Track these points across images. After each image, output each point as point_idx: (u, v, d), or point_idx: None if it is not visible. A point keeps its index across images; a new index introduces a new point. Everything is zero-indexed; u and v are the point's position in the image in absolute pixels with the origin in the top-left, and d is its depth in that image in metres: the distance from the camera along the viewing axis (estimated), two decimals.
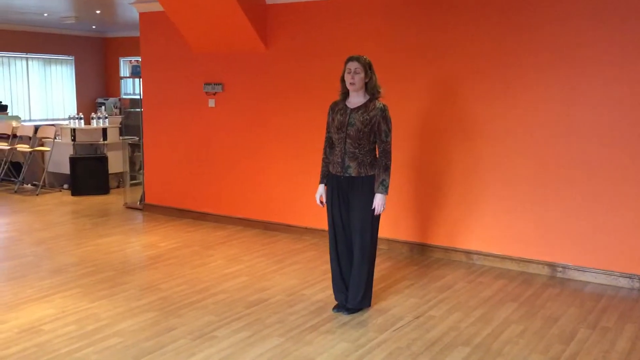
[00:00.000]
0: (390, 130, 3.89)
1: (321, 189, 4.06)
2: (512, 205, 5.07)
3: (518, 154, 5.01)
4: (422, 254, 5.48)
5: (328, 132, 4.04)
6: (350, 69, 3.83)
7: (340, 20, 5.73)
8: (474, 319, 3.98)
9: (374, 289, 4.51)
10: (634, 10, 4.49)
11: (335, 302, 4.13)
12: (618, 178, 4.64)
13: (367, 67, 3.85)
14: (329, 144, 4.04)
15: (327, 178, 4.03)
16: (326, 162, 4.05)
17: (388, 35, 5.51)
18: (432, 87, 5.35)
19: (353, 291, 4.00)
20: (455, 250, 5.35)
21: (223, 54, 6.47)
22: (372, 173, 3.88)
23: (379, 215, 3.94)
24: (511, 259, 5.10)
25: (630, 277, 4.65)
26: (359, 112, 3.84)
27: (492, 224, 5.17)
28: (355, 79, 3.81)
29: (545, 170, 4.91)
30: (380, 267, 5.13)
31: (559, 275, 4.90)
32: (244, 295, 4.40)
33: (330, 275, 4.22)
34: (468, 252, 5.29)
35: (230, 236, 6.15)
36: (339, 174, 3.92)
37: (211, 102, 6.66)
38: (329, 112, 4.03)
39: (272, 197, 6.33)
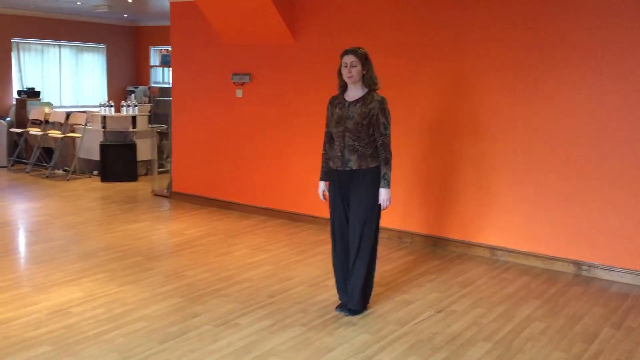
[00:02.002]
0: (389, 124, 3.78)
1: (322, 186, 3.98)
2: (538, 201, 5.03)
3: (544, 148, 4.96)
4: (445, 249, 5.47)
5: (327, 127, 3.94)
6: (346, 62, 3.75)
7: (370, 13, 5.72)
8: (496, 315, 3.97)
9: (395, 283, 4.54)
10: None
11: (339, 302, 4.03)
12: None
13: (364, 59, 3.76)
14: (328, 140, 3.93)
15: (328, 175, 3.95)
16: (326, 158, 3.95)
17: (414, 30, 5.48)
18: (456, 80, 5.32)
19: (350, 291, 3.89)
20: (479, 246, 5.32)
21: (251, 45, 6.51)
22: (373, 165, 3.78)
23: (379, 210, 3.84)
24: (536, 256, 5.06)
25: None
26: (358, 105, 3.77)
27: (517, 220, 5.14)
28: (352, 72, 3.74)
29: (572, 165, 4.85)
30: (403, 260, 5.14)
31: (584, 273, 4.85)
32: (267, 285, 4.45)
33: None
34: (492, 248, 5.26)
35: (255, 225, 6.21)
36: (339, 167, 3.82)
37: (239, 93, 6.71)
38: (328, 107, 3.94)
39: (297, 188, 6.37)
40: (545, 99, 4.93)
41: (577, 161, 4.84)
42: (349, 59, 3.76)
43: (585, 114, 4.78)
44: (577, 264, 4.89)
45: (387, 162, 3.80)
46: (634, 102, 4.58)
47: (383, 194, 3.79)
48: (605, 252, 4.78)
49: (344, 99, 3.85)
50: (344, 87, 3.88)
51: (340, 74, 3.84)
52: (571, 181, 4.87)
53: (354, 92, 3.83)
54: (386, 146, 3.80)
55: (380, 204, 3.83)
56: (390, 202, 3.83)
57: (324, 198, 4.03)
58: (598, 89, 4.71)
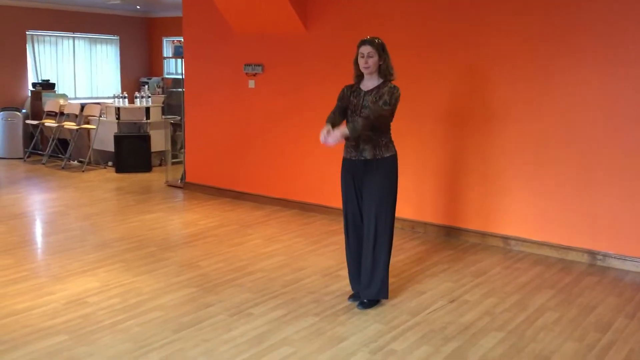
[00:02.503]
0: (389, 104, 3.66)
1: (328, 126, 3.64)
2: (552, 191, 5.00)
3: (558, 138, 4.92)
4: (458, 239, 5.47)
5: (338, 104, 3.84)
6: (363, 53, 3.72)
7: (382, 3, 5.69)
8: (509, 305, 3.97)
9: (408, 273, 4.55)
10: None
11: (351, 292, 4.04)
12: None
13: (381, 50, 3.72)
14: (340, 111, 3.81)
15: (342, 165, 3.89)
16: (332, 117, 3.78)
17: (426, 21, 5.44)
18: (466, 71, 5.28)
19: (368, 282, 3.85)
20: (492, 235, 5.31)
21: (263, 36, 6.51)
22: (387, 155, 3.76)
23: (395, 200, 3.81)
24: (550, 245, 5.04)
25: None
26: (372, 95, 3.74)
27: (531, 210, 5.11)
28: (369, 62, 3.70)
29: (587, 154, 4.81)
30: (416, 250, 5.15)
31: (599, 263, 4.83)
32: (280, 275, 4.48)
33: None
34: (505, 238, 5.25)
35: (268, 216, 6.24)
36: (353, 157, 3.81)
37: (251, 83, 6.72)
38: (343, 90, 3.87)
39: (310, 179, 6.38)
40: (560, 89, 4.88)
41: (591, 151, 4.79)
42: (366, 49, 3.73)
43: (600, 104, 4.73)
44: (592, 253, 4.86)
45: (366, 118, 3.62)
46: None
47: (339, 130, 3.57)
48: (620, 242, 4.75)
49: (360, 88, 3.83)
50: (360, 77, 3.85)
51: (356, 63, 3.81)
52: (585, 171, 4.83)
53: (370, 82, 3.80)
54: (375, 112, 3.63)
55: (394, 193, 3.80)
56: (333, 140, 3.55)
57: (327, 133, 3.62)
58: (614, 79, 4.65)
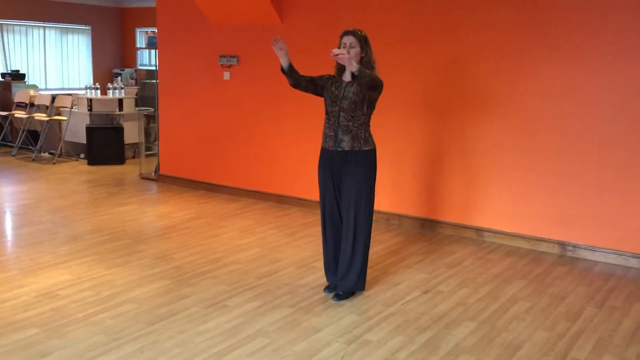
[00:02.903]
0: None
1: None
2: (523, 183, 5.07)
3: (530, 131, 5.00)
4: (432, 230, 5.52)
5: (315, 77, 3.87)
6: (345, 43, 3.68)
7: None
8: (482, 295, 4.02)
9: (383, 265, 4.58)
10: None
11: (327, 283, 4.05)
12: (631, 157, 4.62)
13: (363, 41, 3.70)
14: (311, 78, 3.86)
15: (320, 155, 3.88)
16: (299, 72, 3.88)
17: (403, 12, 5.47)
18: (446, 63, 5.32)
19: (344, 274, 3.86)
20: (466, 227, 5.37)
21: (239, 27, 6.47)
22: (366, 148, 3.74)
23: (373, 194, 3.80)
24: (522, 237, 5.12)
25: None
26: (353, 85, 3.71)
27: (504, 202, 5.18)
28: (350, 53, 3.63)
29: (557, 148, 4.90)
30: (391, 242, 5.18)
31: (569, 254, 4.92)
32: (255, 267, 4.47)
33: None
34: (479, 229, 5.31)
35: (243, 208, 6.22)
36: (331, 148, 3.78)
37: (226, 75, 6.68)
38: (326, 75, 3.86)
39: (285, 170, 6.37)
40: (532, 82, 4.95)
41: (562, 144, 4.88)
42: (348, 39, 3.70)
43: (573, 97, 4.81)
44: (562, 244, 4.95)
45: (372, 76, 3.56)
46: (624, 85, 4.61)
47: (349, 59, 3.48)
48: (590, 233, 4.84)
49: (341, 79, 3.80)
50: (340, 69, 3.82)
51: None
52: (557, 163, 4.92)
53: (350, 75, 3.75)
54: (374, 77, 3.58)
55: (372, 187, 3.80)
56: (343, 55, 3.47)
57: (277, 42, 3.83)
58: (588, 72, 4.73)
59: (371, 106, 3.77)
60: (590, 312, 3.81)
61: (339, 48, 3.73)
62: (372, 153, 3.80)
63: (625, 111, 4.62)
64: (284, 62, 3.91)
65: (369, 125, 3.80)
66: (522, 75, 4.98)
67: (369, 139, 3.79)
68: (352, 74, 3.70)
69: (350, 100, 3.70)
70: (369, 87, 3.61)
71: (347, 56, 3.49)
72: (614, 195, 4.71)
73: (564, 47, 4.78)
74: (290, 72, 3.93)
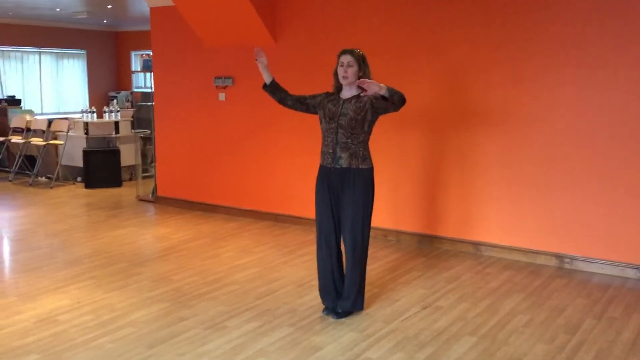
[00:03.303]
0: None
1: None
2: (520, 196, 5.10)
3: (525, 144, 5.04)
4: (430, 246, 5.53)
5: (305, 96, 3.95)
6: (343, 62, 3.72)
7: (349, 14, 5.76)
8: (481, 310, 4.03)
9: (382, 281, 4.59)
10: None
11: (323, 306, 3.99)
12: (626, 168, 4.66)
13: (361, 61, 3.73)
14: (296, 97, 3.97)
15: (318, 172, 3.87)
16: (284, 89, 4.02)
17: (396, 28, 5.53)
18: (439, 78, 5.38)
19: (345, 293, 3.85)
20: (464, 242, 5.39)
21: (233, 48, 6.53)
22: (364, 167, 3.75)
23: (370, 214, 3.81)
24: (519, 250, 5.14)
25: (637, 268, 4.67)
26: (352, 102, 3.73)
27: (500, 216, 5.21)
28: (348, 72, 3.69)
29: (553, 160, 4.94)
30: (389, 258, 5.20)
31: (566, 266, 4.93)
32: (254, 286, 4.48)
33: None
34: (476, 244, 5.33)
35: (240, 228, 6.23)
36: (329, 165, 3.79)
37: (221, 96, 6.73)
38: (321, 94, 3.90)
39: (282, 190, 6.40)
40: (526, 95, 5.00)
41: (557, 156, 4.92)
42: (346, 58, 3.73)
43: (566, 108, 4.86)
44: (560, 256, 4.97)
45: (400, 93, 3.61)
46: (617, 96, 4.66)
47: (377, 84, 3.49)
48: (586, 245, 4.87)
49: (339, 96, 3.83)
50: (339, 88, 3.84)
51: (336, 74, 3.80)
52: (552, 176, 4.95)
53: (349, 92, 3.79)
54: (400, 93, 3.61)
55: (370, 206, 3.81)
56: (373, 87, 3.47)
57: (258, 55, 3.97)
58: (582, 85, 4.78)
59: (371, 126, 3.80)
60: (589, 323, 3.82)
61: (337, 67, 3.79)
62: (370, 172, 3.81)
63: (619, 122, 4.66)
64: (266, 78, 3.98)
65: (367, 144, 3.82)
66: (517, 89, 5.03)
67: (367, 158, 3.80)
68: (351, 93, 3.76)
69: (350, 117, 3.72)
70: (402, 102, 3.64)
71: (372, 82, 3.49)
72: (610, 207, 4.75)
73: (557, 59, 4.84)
74: (273, 89, 4.01)
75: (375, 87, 3.48)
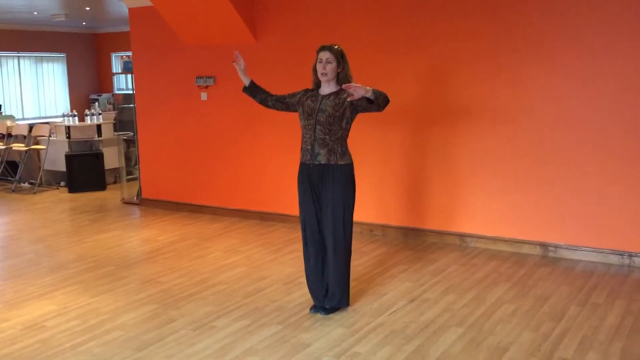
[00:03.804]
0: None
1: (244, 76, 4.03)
2: (503, 187, 5.15)
3: (508, 135, 5.08)
4: (416, 239, 5.57)
5: (284, 95, 3.97)
6: (322, 58, 3.72)
7: (329, 11, 5.77)
8: (467, 300, 4.07)
9: (369, 276, 4.62)
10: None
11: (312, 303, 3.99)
12: (608, 156, 4.72)
13: (340, 57, 3.73)
14: (277, 97, 4.00)
15: (299, 169, 3.88)
16: (264, 90, 4.05)
17: (378, 24, 5.55)
18: (422, 73, 5.41)
19: (331, 290, 3.87)
20: (449, 234, 5.43)
21: (214, 47, 6.51)
22: (342, 162, 3.75)
23: (352, 210, 3.81)
24: (504, 240, 5.19)
25: (620, 254, 4.74)
26: (331, 99, 3.74)
27: (485, 207, 5.25)
28: (327, 68, 3.70)
29: (535, 151, 4.98)
30: (376, 252, 5.22)
31: (551, 254, 4.99)
32: (242, 285, 4.48)
33: None
34: (462, 235, 5.37)
35: (227, 228, 6.22)
36: (308, 162, 3.80)
37: (204, 96, 6.71)
38: (300, 92, 3.92)
39: (267, 188, 6.40)
40: (509, 87, 5.04)
41: (539, 147, 4.97)
42: (325, 55, 3.73)
43: (545, 100, 4.91)
44: (544, 245, 5.03)
45: (383, 94, 3.62)
46: (602, 87, 4.71)
47: (362, 87, 3.49)
48: (570, 233, 4.93)
49: (318, 92, 3.83)
50: (318, 84, 3.84)
51: (315, 70, 3.80)
52: (535, 166, 5.00)
53: (327, 89, 3.80)
54: (383, 94, 3.62)
55: (351, 202, 3.82)
56: (357, 91, 3.47)
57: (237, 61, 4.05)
58: (567, 76, 4.83)
59: (350, 122, 3.80)
60: (573, 310, 3.87)
61: (316, 63, 3.79)
62: (349, 167, 3.81)
63: (600, 112, 4.72)
64: (245, 81, 4.01)
65: (345, 140, 3.82)
66: (499, 81, 5.07)
67: (345, 154, 3.80)
68: (330, 89, 3.76)
69: (328, 113, 3.72)
70: (386, 103, 3.67)
71: (358, 86, 3.49)
72: (592, 195, 4.81)
73: (539, 51, 4.88)
74: (252, 92, 4.04)
75: (362, 90, 3.48)
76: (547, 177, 4.96)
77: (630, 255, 4.71)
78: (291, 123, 6.07)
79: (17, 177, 8.81)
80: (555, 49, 4.81)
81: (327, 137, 3.74)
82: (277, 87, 6.09)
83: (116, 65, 12.40)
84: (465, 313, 3.86)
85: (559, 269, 4.69)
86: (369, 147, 5.64)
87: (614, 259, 4.76)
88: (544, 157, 4.95)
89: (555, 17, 4.77)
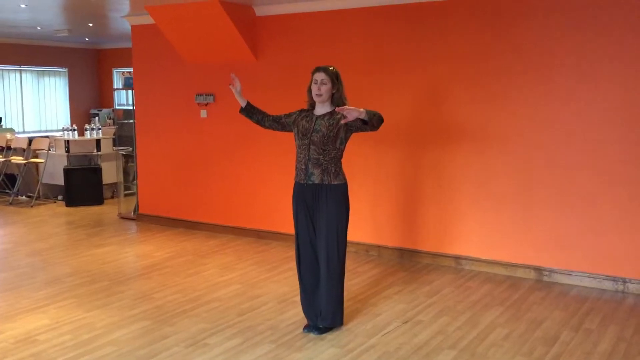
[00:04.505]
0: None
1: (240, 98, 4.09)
2: (499, 210, 5.18)
3: (504, 158, 5.12)
4: (411, 260, 5.58)
5: (280, 115, 4.03)
6: (316, 79, 3.76)
7: (328, 31, 5.84)
8: (461, 323, 4.07)
9: (363, 296, 4.62)
10: (626, 21, 4.62)
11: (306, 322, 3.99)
12: (603, 182, 4.75)
13: (334, 78, 3.77)
14: (273, 117, 4.05)
15: (294, 188, 3.91)
16: (260, 111, 4.10)
17: (375, 45, 5.62)
18: (417, 94, 5.46)
19: (324, 309, 3.86)
20: (444, 256, 5.44)
21: (214, 65, 6.58)
22: (336, 182, 3.78)
23: (345, 230, 3.83)
24: (499, 263, 5.20)
25: (614, 279, 4.75)
26: (325, 119, 3.77)
27: (480, 229, 5.27)
28: (322, 89, 3.74)
29: (531, 175, 5.02)
30: (370, 273, 5.23)
31: (545, 279, 5.00)
32: (236, 303, 4.48)
33: None
34: (457, 257, 5.38)
35: (223, 245, 6.23)
36: (302, 181, 3.83)
37: (203, 113, 6.76)
38: (295, 112, 3.96)
39: (264, 206, 6.42)
40: (504, 111, 5.09)
41: (536, 171, 5.00)
42: (320, 76, 3.77)
43: (538, 124, 4.96)
44: (538, 269, 5.04)
45: (377, 114, 3.65)
46: (595, 111, 4.76)
47: (357, 109, 3.49)
48: (564, 257, 4.94)
49: (313, 113, 3.87)
50: (313, 104, 3.88)
51: (310, 91, 3.84)
52: (531, 190, 5.03)
53: (322, 109, 3.83)
54: (377, 114, 3.64)
55: (344, 222, 3.84)
56: (352, 114, 3.47)
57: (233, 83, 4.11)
58: (561, 101, 4.88)
59: (344, 142, 3.83)
60: (566, 336, 3.87)
61: (311, 84, 3.84)
62: (343, 188, 3.84)
63: (595, 136, 4.76)
64: (241, 102, 4.07)
65: (339, 161, 3.85)
66: (494, 103, 5.12)
67: (339, 174, 3.83)
68: (325, 110, 3.81)
69: (322, 133, 3.76)
70: (380, 123, 3.69)
71: (352, 108, 3.51)
72: (587, 220, 4.83)
73: (536, 74, 4.94)
74: (249, 113, 4.09)
75: (355, 112, 3.51)
76: (542, 201, 4.99)
77: (624, 282, 4.72)
78: (287, 142, 6.10)
79: (14, 190, 8.82)
80: (551, 73, 4.86)
81: (321, 157, 3.77)
82: (277, 106, 6.15)
83: (117, 81, 12.48)
84: (459, 336, 3.86)
85: (553, 293, 4.70)
86: (364, 167, 5.67)
87: (608, 285, 4.77)
88: (539, 180, 4.98)
89: (552, 41, 4.84)
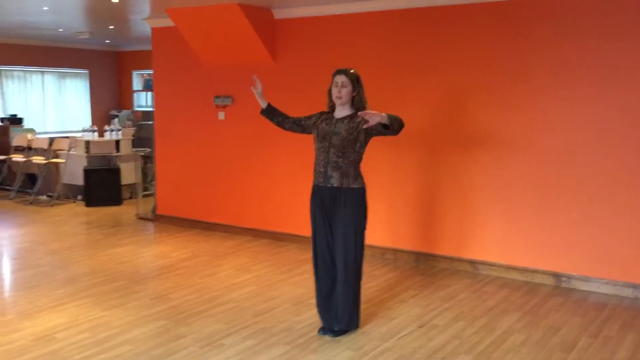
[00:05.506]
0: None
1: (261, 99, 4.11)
2: (517, 215, 5.13)
3: (522, 163, 5.08)
4: (427, 264, 5.55)
5: (301, 117, 4.04)
6: (337, 82, 3.77)
7: (347, 35, 5.85)
8: (477, 328, 4.04)
9: (379, 299, 4.60)
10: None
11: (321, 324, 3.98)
12: (622, 187, 4.70)
13: (355, 81, 3.78)
14: (294, 119, 4.07)
15: (312, 191, 3.91)
16: (281, 113, 4.11)
17: (393, 48, 5.61)
18: (435, 99, 5.44)
19: (340, 312, 3.85)
20: (461, 260, 5.41)
21: (232, 68, 6.61)
22: (355, 186, 3.78)
23: (363, 233, 3.84)
24: (516, 268, 5.15)
25: (634, 286, 4.69)
26: (345, 122, 3.77)
27: (498, 234, 5.23)
28: (342, 92, 3.75)
29: (550, 180, 4.97)
30: (386, 276, 5.21)
31: (563, 285, 4.95)
32: (251, 304, 4.49)
33: None
34: (473, 262, 5.35)
35: (239, 246, 6.25)
36: (321, 184, 3.83)
37: (221, 115, 6.79)
38: (316, 114, 3.97)
39: (281, 208, 6.43)
40: (522, 116, 5.05)
41: (554, 176, 4.95)
42: (340, 78, 3.77)
43: (560, 129, 4.91)
44: (556, 275, 4.98)
45: (398, 118, 3.64)
46: (610, 116, 4.71)
47: (379, 113, 3.51)
48: (583, 263, 4.88)
49: (333, 115, 3.87)
50: (333, 107, 3.88)
51: (330, 93, 3.84)
52: (549, 195, 4.98)
53: (342, 112, 3.83)
54: (399, 118, 3.64)
55: (362, 226, 3.84)
56: (374, 118, 3.50)
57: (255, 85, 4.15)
58: (577, 106, 4.84)
59: (363, 146, 3.82)
60: (585, 342, 3.82)
61: (331, 86, 3.84)
62: (361, 191, 3.83)
63: (614, 142, 4.71)
64: (262, 104, 4.08)
65: (359, 164, 3.84)
66: (512, 109, 5.09)
67: (358, 177, 3.82)
68: (345, 112, 3.80)
69: (342, 136, 3.76)
70: (401, 128, 3.69)
71: (374, 112, 3.52)
72: (606, 225, 4.77)
73: (554, 81, 4.89)
74: (270, 114, 4.10)
75: (377, 117, 3.51)
76: (560, 206, 4.94)
77: None
78: (307, 144, 6.11)
79: (35, 190, 8.94)
80: (571, 79, 4.82)
81: (341, 160, 3.76)
82: (295, 108, 6.16)
83: (137, 83, 12.59)
84: (475, 341, 3.83)
85: (571, 299, 4.65)
86: (382, 171, 5.66)
87: (627, 292, 4.70)
88: (558, 186, 4.93)
89: (571, 47, 4.79)
